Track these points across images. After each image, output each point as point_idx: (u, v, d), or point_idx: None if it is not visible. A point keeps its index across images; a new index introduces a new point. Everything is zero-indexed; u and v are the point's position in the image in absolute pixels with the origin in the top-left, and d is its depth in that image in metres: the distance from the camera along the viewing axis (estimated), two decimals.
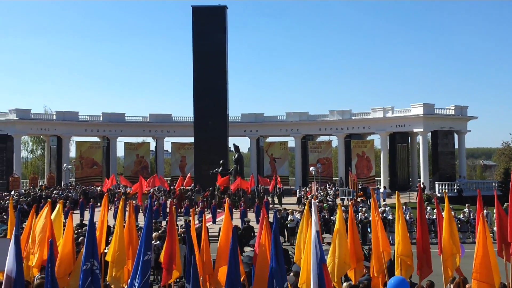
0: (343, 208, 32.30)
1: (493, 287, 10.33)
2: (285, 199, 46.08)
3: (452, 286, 11.81)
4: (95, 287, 8.38)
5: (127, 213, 12.83)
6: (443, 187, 51.11)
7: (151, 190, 45.11)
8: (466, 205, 33.08)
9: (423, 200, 12.63)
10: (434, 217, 30.91)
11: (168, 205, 39.65)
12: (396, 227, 11.45)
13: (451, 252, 11.34)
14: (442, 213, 12.10)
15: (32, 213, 13.33)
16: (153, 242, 19.90)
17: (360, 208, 32.91)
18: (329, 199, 40.42)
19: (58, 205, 13.91)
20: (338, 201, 41.73)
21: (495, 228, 30.39)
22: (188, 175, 51.28)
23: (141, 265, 8.30)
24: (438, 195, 47.88)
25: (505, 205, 32.80)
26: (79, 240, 17.00)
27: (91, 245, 8.67)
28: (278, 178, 47.25)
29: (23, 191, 49.84)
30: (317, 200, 39.83)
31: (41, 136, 73.07)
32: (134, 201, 36.71)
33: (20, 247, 8.86)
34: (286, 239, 29.61)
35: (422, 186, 50.80)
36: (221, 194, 42.87)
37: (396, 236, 11.43)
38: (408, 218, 28.80)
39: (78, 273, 11.14)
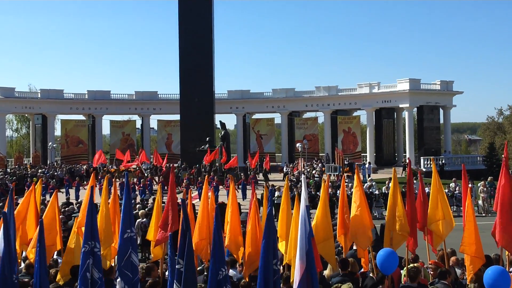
0: (330, 183, 32.62)
1: (482, 260, 10.45)
2: (272, 176, 46.12)
3: (437, 258, 11.92)
4: (97, 269, 8.26)
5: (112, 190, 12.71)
6: (429, 161, 51.48)
7: (136, 167, 44.96)
8: (453, 179, 33.37)
9: (412, 174, 12.63)
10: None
11: (155, 183, 39.71)
12: (392, 202, 11.37)
13: (435, 218, 11.46)
14: (426, 188, 12.20)
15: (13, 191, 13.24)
16: (139, 220, 19.98)
17: (346, 183, 33.05)
18: (316, 175, 40.58)
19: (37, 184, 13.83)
20: (324, 177, 41.94)
21: (480, 202, 30.98)
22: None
23: (120, 243, 8.22)
24: (423, 169, 48.24)
25: (489, 178, 33.25)
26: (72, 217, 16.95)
27: (90, 226, 8.56)
28: (267, 159, 46.96)
29: (8, 170, 49.50)
30: (304, 176, 40.02)
31: (26, 115, 72.36)
32: (121, 179, 36.66)
33: (7, 225, 8.80)
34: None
35: (407, 161, 51.18)
36: (207, 170, 42.75)
37: (391, 210, 11.36)
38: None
39: (72, 251, 11.18)
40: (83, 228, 11.45)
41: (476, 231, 10.44)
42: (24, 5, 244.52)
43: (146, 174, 42.40)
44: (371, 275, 10.58)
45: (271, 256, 8.34)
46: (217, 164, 43.54)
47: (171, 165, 43.06)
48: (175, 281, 8.14)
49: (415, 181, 32.72)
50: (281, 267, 11.58)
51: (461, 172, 12.08)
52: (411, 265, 10.64)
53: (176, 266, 8.18)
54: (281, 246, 11.66)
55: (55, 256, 12.72)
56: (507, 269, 10.79)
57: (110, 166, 49.26)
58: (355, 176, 11.98)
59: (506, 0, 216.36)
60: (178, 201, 12.42)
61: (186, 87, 50.94)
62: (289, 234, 10.84)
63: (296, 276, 8.34)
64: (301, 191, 26.45)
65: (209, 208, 11.86)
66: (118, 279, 8.20)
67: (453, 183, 32.18)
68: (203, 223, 11.64)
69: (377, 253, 9.93)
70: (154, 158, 48.21)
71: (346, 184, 32.17)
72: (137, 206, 22.70)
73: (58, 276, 10.59)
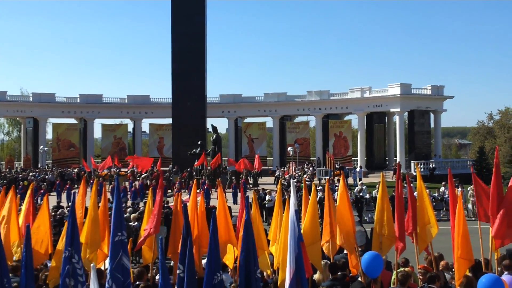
0: (320, 187, 32.71)
1: (472, 263, 10.57)
2: (263, 179, 46.22)
3: (425, 262, 12.00)
4: (73, 278, 8.21)
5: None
6: (419, 166, 51.65)
7: (129, 171, 44.96)
8: (442, 183, 33.53)
9: (402, 178, 12.70)
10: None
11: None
12: (380, 207, 11.47)
13: (423, 223, 11.56)
14: (415, 192, 12.29)
15: (2, 194, 13.25)
16: (131, 223, 20.01)
17: (337, 187, 33.17)
18: (307, 179, 40.65)
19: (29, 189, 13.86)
20: (315, 181, 42.06)
21: (469, 206, 31.18)
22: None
23: (111, 246, 8.22)
24: (414, 173, 48.42)
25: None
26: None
27: (71, 233, 8.51)
28: (258, 162, 46.62)
29: None
30: (295, 180, 40.08)
31: (18, 118, 72.10)
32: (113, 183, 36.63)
33: None
34: (264, 219, 29.74)
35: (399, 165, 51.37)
36: (197, 174, 42.77)
37: (379, 214, 11.47)
38: None
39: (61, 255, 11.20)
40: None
41: (466, 234, 10.56)
42: (16, 8, 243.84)
43: (137, 178, 42.35)
44: (359, 279, 10.64)
45: (252, 265, 8.36)
46: (208, 167, 43.59)
47: (154, 168, 42.97)
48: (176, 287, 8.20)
49: (405, 185, 32.95)
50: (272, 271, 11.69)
51: (448, 175, 12.23)
52: (401, 269, 10.73)
53: (177, 272, 8.24)
54: (273, 249, 11.76)
55: (46, 261, 12.73)
56: (496, 272, 10.93)
57: (101, 171, 49.14)
58: (341, 181, 11.99)
59: (497, 5, 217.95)
60: (170, 204, 12.53)
61: (178, 91, 51.01)
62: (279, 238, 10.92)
63: (286, 280, 8.41)
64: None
65: (197, 212, 11.89)
66: (109, 282, 8.21)
67: (443, 187, 32.37)
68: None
69: None
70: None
71: (337, 187, 32.34)
72: (128, 210, 22.72)
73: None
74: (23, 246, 8.34)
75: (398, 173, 12.48)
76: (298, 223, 8.68)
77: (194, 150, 46.02)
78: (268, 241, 12.93)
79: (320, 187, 33.00)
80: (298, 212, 8.95)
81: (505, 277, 9.96)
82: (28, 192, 13.24)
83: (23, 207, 13.12)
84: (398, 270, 10.55)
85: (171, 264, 11.87)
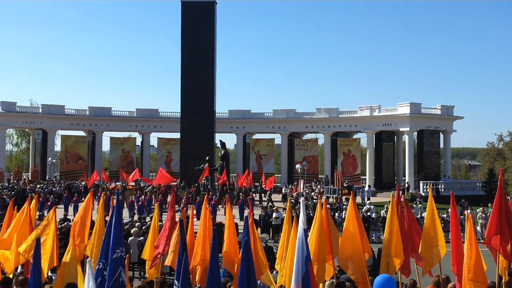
0: (328, 206, 32.51)
1: (486, 286, 10.39)
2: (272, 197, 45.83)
3: (432, 284, 11.82)
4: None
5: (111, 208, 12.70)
6: (428, 186, 51.30)
7: (135, 185, 44.93)
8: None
9: (400, 200, 12.45)
10: (418, 216, 31.13)
11: (153, 201, 39.58)
12: (389, 227, 11.28)
13: (430, 245, 11.36)
14: (424, 213, 12.17)
15: (11, 206, 13.19)
16: (134, 238, 19.88)
17: (344, 206, 32.99)
18: (314, 197, 40.47)
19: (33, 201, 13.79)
20: (323, 198, 41.78)
21: (478, 228, 30.87)
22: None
23: (110, 263, 8.11)
24: (423, 194, 48.14)
25: (489, 205, 33.16)
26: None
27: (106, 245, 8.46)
28: (249, 178, 46.29)
29: (6, 184, 49.39)
30: (303, 198, 39.89)
31: (26, 130, 72.49)
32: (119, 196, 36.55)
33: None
34: (271, 237, 29.58)
35: (406, 185, 51.12)
36: (204, 189, 42.68)
37: (388, 235, 11.29)
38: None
39: (69, 270, 11.11)
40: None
41: (480, 257, 10.38)
42: (27, 20, 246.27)
43: (144, 192, 42.27)
44: None
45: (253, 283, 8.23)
46: (216, 183, 43.48)
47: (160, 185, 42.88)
48: None
49: (413, 205, 32.64)
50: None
51: (460, 197, 12.11)
52: None
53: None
54: (279, 267, 11.60)
55: (49, 273, 12.63)
56: None
57: (109, 184, 49.15)
58: (350, 200, 11.77)
59: (509, 26, 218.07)
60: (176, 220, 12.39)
61: (187, 105, 51.06)
62: (286, 256, 10.77)
63: None
64: (299, 213, 26.27)
65: (206, 229, 11.78)
66: None
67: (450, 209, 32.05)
68: (200, 246, 11.55)
69: (374, 277, 9.85)
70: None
71: (345, 206, 32.15)
72: (136, 224, 22.58)
73: None
74: (32, 260, 8.24)
75: (397, 195, 12.27)
76: (307, 242, 8.54)
77: (202, 166, 45.95)
78: (275, 258, 12.77)
79: (328, 205, 32.78)
80: (307, 231, 8.82)
81: None
82: (33, 203, 13.21)
83: (21, 218, 13.04)
84: None
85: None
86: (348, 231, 11.28)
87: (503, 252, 10.64)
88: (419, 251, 11.48)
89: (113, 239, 8.23)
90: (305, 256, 8.31)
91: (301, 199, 10.35)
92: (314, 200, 37.31)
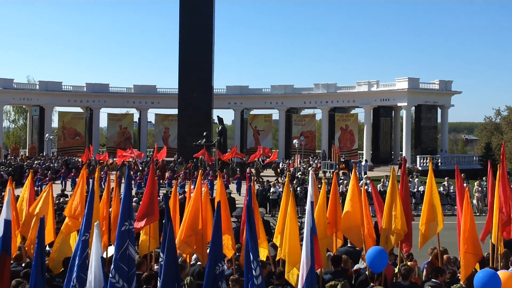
0: (326, 180, 32.61)
1: (480, 258, 10.51)
2: (268, 171, 46.06)
3: (430, 256, 11.93)
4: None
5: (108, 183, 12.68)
6: (425, 160, 51.59)
7: (132, 160, 44.94)
8: (445, 178, 33.38)
9: (406, 173, 12.54)
10: (415, 190, 31.27)
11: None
12: (389, 200, 11.25)
13: (428, 219, 11.41)
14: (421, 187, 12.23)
15: (10, 183, 13.20)
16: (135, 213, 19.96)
17: (341, 181, 33.09)
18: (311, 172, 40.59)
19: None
20: (320, 174, 41.96)
21: (474, 201, 31.06)
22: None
23: (118, 235, 8.16)
24: (420, 168, 48.29)
25: (484, 178, 33.32)
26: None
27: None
28: (267, 150, 46.69)
29: (4, 160, 49.42)
30: (300, 173, 40.02)
31: (24, 106, 72.37)
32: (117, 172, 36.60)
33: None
34: (268, 211, 29.77)
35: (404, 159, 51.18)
36: (202, 165, 42.66)
37: (388, 209, 11.27)
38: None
39: (64, 246, 11.21)
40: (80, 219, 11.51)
41: (475, 230, 10.47)
42: None
43: (142, 168, 42.30)
44: (367, 272, 10.56)
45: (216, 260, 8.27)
46: (212, 158, 43.56)
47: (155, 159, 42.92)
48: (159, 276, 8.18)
49: (410, 180, 32.70)
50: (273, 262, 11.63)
51: (455, 171, 12.11)
52: (404, 263, 10.65)
53: (160, 260, 8.22)
54: (277, 240, 11.69)
55: (47, 248, 12.71)
56: (498, 266, 10.86)
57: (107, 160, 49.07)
58: (352, 174, 11.96)
59: (505, 0, 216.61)
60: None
61: (184, 81, 50.99)
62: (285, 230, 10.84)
63: (301, 273, 8.38)
64: (296, 187, 26.24)
65: (202, 202, 11.80)
66: (112, 272, 8.12)
67: (446, 182, 32.19)
68: (196, 217, 11.58)
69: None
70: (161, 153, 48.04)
71: (341, 181, 32.30)
72: (134, 199, 22.62)
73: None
74: (37, 238, 8.26)
75: (403, 168, 12.37)
76: (313, 215, 8.61)
77: (199, 141, 46.00)
78: (273, 232, 12.85)
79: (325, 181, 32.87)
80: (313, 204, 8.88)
81: None
82: (29, 179, 13.28)
83: (23, 195, 13.08)
84: (401, 264, 10.46)
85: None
86: (353, 204, 11.47)
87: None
88: (419, 226, 11.54)
89: (122, 212, 8.28)
90: (311, 228, 8.39)
91: (311, 172, 10.41)
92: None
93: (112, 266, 7.91)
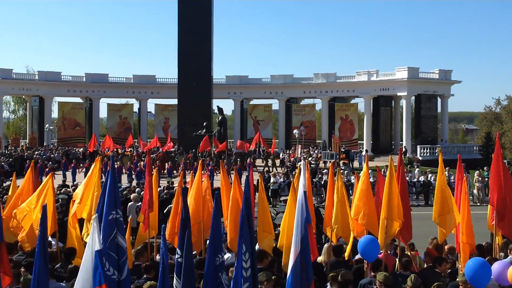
0: (325, 171, 32.65)
1: (472, 247, 10.56)
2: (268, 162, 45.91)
3: (430, 246, 11.96)
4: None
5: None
6: (425, 150, 51.62)
7: (130, 150, 45.02)
8: (446, 168, 33.33)
9: (404, 163, 12.52)
10: (415, 179, 31.23)
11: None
12: (388, 190, 11.21)
13: (443, 211, 11.34)
14: (421, 177, 12.19)
15: (15, 176, 13.28)
16: (133, 203, 20.01)
17: (342, 171, 33.12)
18: (312, 162, 40.65)
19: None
20: (321, 164, 41.93)
21: (474, 191, 31.08)
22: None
23: (104, 225, 8.05)
24: (420, 158, 48.32)
25: (485, 168, 33.33)
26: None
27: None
28: (261, 140, 46.78)
29: (4, 151, 49.44)
30: (300, 162, 40.02)
31: (23, 96, 72.28)
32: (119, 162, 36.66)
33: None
34: (269, 201, 29.77)
35: (404, 149, 51.27)
36: (202, 155, 42.69)
37: (386, 198, 11.25)
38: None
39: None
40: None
41: (470, 220, 10.50)
42: None
43: (142, 158, 42.32)
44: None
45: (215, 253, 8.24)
46: (213, 149, 43.56)
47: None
48: (174, 274, 8.10)
49: (417, 170, 32.77)
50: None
51: (457, 161, 12.11)
52: (405, 253, 10.69)
53: (176, 256, 8.15)
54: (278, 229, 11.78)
55: (49, 239, 12.76)
56: (497, 256, 10.90)
57: (107, 150, 49.12)
58: (364, 167, 11.85)
59: None
60: (175, 185, 12.49)
61: (184, 71, 50.92)
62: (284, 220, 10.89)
63: (290, 261, 8.35)
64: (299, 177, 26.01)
65: (202, 192, 11.85)
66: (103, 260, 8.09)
67: (446, 172, 32.12)
68: (195, 207, 11.62)
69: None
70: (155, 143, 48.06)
71: (342, 171, 32.30)
72: (136, 190, 22.63)
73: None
74: (39, 226, 8.26)
75: (400, 157, 12.35)
76: (307, 205, 8.58)
77: (199, 131, 46.01)
78: (273, 222, 12.89)
79: (325, 170, 32.92)
80: (306, 194, 8.86)
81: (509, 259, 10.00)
82: (29, 171, 13.34)
83: (22, 186, 13.14)
84: (401, 255, 10.50)
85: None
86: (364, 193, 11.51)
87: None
88: (433, 219, 11.48)
89: (107, 201, 8.18)
90: (304, 218, 8.36)
91: (302, 162, 10.36)
92: (311, 165, 37.46)
93: (102, 256, 7.86)
